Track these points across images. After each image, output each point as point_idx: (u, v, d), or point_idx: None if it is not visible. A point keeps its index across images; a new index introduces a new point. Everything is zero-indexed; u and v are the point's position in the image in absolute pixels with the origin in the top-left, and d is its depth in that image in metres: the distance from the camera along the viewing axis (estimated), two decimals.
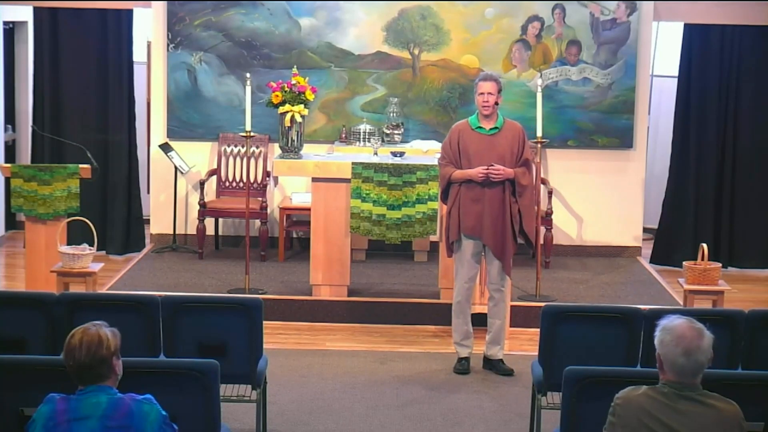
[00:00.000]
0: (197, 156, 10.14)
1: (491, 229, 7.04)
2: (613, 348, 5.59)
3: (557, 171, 10.04)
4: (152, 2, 10.01)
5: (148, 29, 10.40)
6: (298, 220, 10.05)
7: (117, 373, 3.89)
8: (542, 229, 9.53)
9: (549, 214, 9.72)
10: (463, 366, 7.19)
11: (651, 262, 10.14)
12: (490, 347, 7.25)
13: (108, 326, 3.91)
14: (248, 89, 8.40)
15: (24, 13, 10.94)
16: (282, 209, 9.87)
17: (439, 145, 9.67)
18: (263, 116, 9.58)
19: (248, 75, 8.61)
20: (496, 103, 7.10)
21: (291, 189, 10.06)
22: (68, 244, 7.83)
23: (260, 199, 9.74)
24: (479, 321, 8.02)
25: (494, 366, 7.19)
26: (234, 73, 9.97)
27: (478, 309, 7.95)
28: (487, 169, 6.95)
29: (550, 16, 9.94)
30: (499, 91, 7.10)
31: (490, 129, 7.09)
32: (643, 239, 10.40)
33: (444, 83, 10.01)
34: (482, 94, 7.04)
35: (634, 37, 9.96)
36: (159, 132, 10.15)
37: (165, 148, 9.95)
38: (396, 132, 9.80)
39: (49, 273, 7.60)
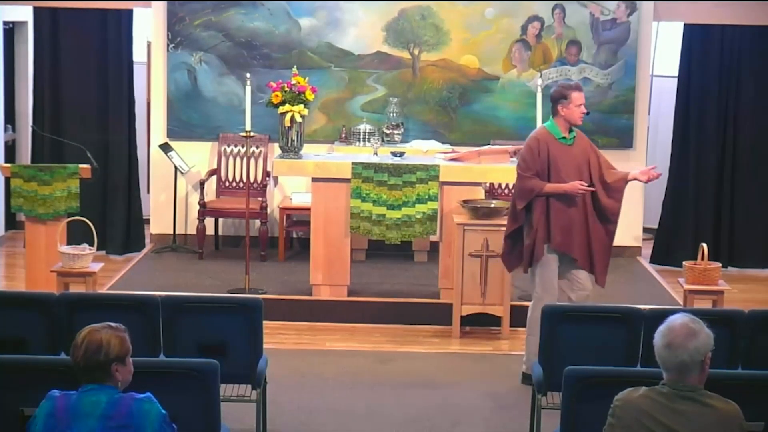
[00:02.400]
0: (197, 156, 10.14)
1: (578, 240, 6.86)
2: (613, 348, 5.59)
3: None
4: (152, 2, 10.01)
5: (148, 29, 10.40)
6: (298, 220, 10.05)
7: (118, 379, 3.87)
8: None
9: None
10: None
11: (651, 262, 10.14)
12: None
13: (120, 330, 3.90)
14: (248, 89, 8.40)
15: (24, 13, 10.93)
16: (282, 209, 9.87)
17: (439, 145, 9.72)
18: (263, 116, 9.58)
19: (248, 75, 8.61)
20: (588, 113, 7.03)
21: (291, 189, 10.06)
22: (68, 244, 7.83)
23: (260, 199, 9.74)
24: (479, 321, 8.03)
25: None
26: (234, 73, 9.97)
27: (478, 309, 7.95)
28: (588, 186, 6.77)
29: (550, 16, 9.94)
30: None
31: (569, 139, 6.91)
32: (643, 239, 10.40)
33: (444, 83, 10.01)
34: (580, 105, 6.84)
35: (634, 37, 9.96)
36: (159, 132, 10.16)
37: (165, 148, 9.95)
38: (396, 132, 9.79)
39: (49, 273, 7.60)
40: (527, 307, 8.24)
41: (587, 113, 6.99)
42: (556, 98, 6.88)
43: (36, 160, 10.07)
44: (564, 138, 6.89)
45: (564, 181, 6.79)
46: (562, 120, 6.87)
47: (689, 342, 3.75)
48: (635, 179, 7.00)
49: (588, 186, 6.78)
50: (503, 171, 8.60)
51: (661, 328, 3.81)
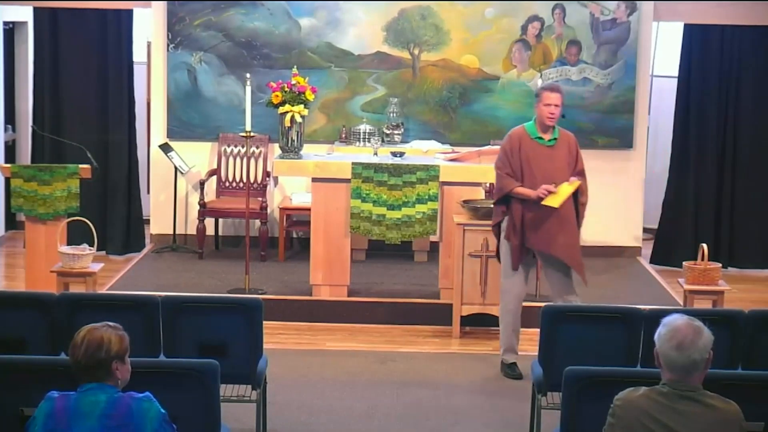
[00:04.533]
0: (197, 156, 10.14)
1: (561, 242, 6.88)
2: (613, 348, 5.59)
3: None
4: (152, 2, 10.01)
5: (148, 29, 10.40)
6: (298, 220, 10.05)
7: (118, 377, 3.87)
8: None
9: None
10: (515, 371, 7.09)
11: (651, 262, 10.14)
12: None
13: (119, 329, 3.90)
14: (248, 89, 8.40)
15: (24, 13, 10.93)
16: (282, 209, 9.87)
17: (439, 145, 9.72)
18: (263, 116, 9.58)
19: (248, 75, 8.61)
20: (563, 116, 7.03)
21: (291, 189, 10.06)
22: (68, 244, 7.83)
23: (260, 199, 9.74)
24: (479, 321, 8.03)
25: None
26: (234, 73, 9.97)
27: (478, 309, 7.95)
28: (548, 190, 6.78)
29: (550, 16, 9.94)
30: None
31: (549, 140, 6.92)
32: (643, 239, 10.40)
33: (444, 83, 10.01)
34: (549, 105, 6.82)
35: (634, 37, 9.96)
36: (159, 132, 10.16)
37: (165, 148, 9.95)
38: (396, 132, 9.79)
39: (49, 273, 7.60)
40: (527, 307, 8.26)
41: (563, 116, 7.02)
42: (535, 97, 7.02)
43: (36, 160, 10.07)
44: (540, 138, 6.92)
45: (537, 181, 6.83)
46: (537, 120, 6.96)
47: (698, 340, 3.76)
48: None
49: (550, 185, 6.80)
50: None
51: (663, 330, 3.80)
